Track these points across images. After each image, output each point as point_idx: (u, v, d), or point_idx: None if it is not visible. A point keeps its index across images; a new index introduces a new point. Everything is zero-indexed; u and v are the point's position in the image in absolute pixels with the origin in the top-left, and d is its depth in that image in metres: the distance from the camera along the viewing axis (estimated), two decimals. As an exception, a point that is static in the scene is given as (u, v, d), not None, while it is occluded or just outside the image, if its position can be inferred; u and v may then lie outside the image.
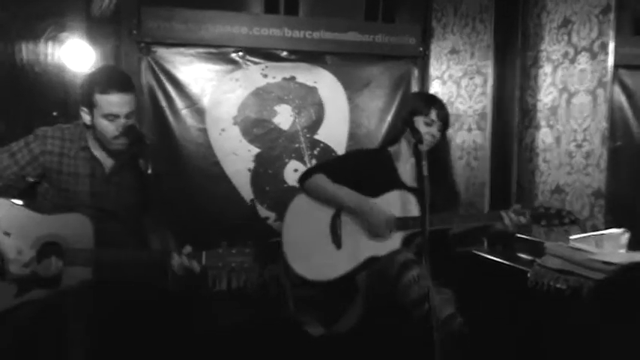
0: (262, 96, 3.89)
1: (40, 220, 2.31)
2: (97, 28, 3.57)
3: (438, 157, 2.71)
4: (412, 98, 3.02)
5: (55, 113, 3.44)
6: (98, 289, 2.26)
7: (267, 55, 3.90)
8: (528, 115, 3.63)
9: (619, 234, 2.84)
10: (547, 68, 3.49)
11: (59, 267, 2.26)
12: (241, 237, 2.37)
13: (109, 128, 2.35)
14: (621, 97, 3.15)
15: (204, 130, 3.79)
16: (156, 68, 3.70)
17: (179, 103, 3.74)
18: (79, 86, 2.48)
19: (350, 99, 4.04)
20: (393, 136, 2.88)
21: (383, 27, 4.15)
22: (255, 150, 3.88)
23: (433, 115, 2.71)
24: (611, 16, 3.06)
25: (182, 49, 3.74)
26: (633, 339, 2.29)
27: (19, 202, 2.33)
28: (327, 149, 4.00)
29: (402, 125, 2.77)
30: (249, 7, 4.16)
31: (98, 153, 2.46)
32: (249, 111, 3.87)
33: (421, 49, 4.16)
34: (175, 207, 3.46)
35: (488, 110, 3.75)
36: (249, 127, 3.87)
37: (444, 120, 2.75)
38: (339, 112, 4.03)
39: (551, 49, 3.45)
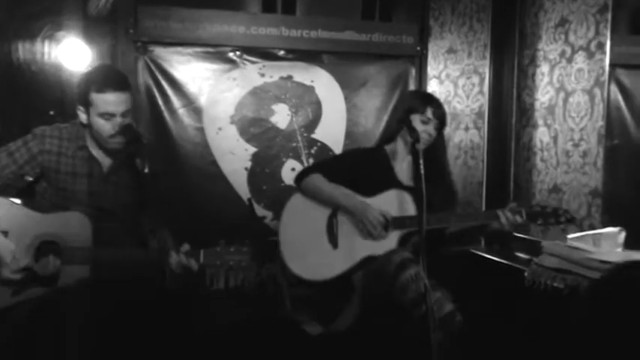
0: (259, 95, 3.89)
1: (39, 218, 2.31)
2: (93, 27, 3.56)
3: (434, 156, 2.70)
4: (408, 96, 3.03)
5: (51, 112, 3.43)
6: (96, 287, 2.26)
7: (265, 54, 3.89)
8: (525, 114, 3.64)
9: (616, 233, 2.85)
10: (544, 67, 3.49)
11: (57, 265, 2.26)
12: (239, 236, 2.37)
13: (106, 127, 2.35)
14: (618, 97, 3.15)
15: (201, 129, 3.78)
16: (153, 67, 3.69)
17: (176, 102, 3.73)
18: (75, 85, 2.49)
19: (347, 98, 4.04)
20: (389, 135, 2.88)
21: (380, 26, 4.14)
22: (253, 149, 3.87)
23: (429, 113, 2.71)
24: (608, 15, 3.07)
25: (179, 49, 3.73)
26: (629, 337, 2.29)
27: (18, 201, 2.34)
28: (324, 148, 4.00)
29: (399, 124, 2.77)
30: (246, 6, 4.16)
31: (96, 152, 2.46)
32: (246, 110, 3.86)
33: (418, 48, 4.15)
34: (172, 206, 3.44)
35: (486, 109, 3.76)
36: (246, 126, 3.86)
37: (441, 118, 2.75)
38: (337, 111, 4.03)
39: (549, 48, 3.46)
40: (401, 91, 4.09)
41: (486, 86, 3.75)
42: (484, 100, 3.78)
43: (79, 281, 2.26)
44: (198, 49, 3.76)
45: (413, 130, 2.55)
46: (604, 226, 2.96)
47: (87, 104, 2.35)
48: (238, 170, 3.85)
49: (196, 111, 3.77)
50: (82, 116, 2.40)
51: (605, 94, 3.09)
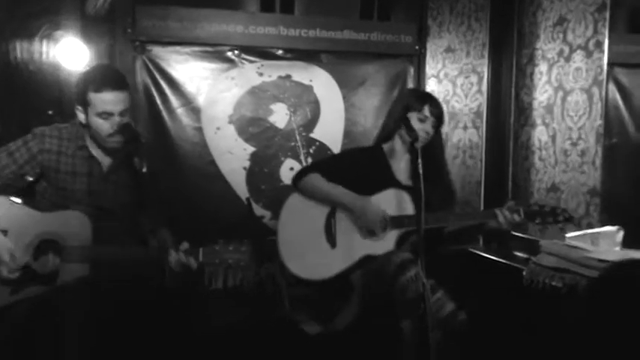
0: (258, 94, 3.89)
1: (39, 217, 2.32)
2: (91, 26, 3.56)
3: (432, 154, 2.69)
4: (405, 95, 3.02)
5: (50, 112, 3.43)
6: (95, 286, 2.27)
7: (263, 53, 3.89)
8: (524, 113, 3.64)
9: (614, 232, 2.85)
10: (542, 66, 3.49)
11: (56, 264, 2.27)
12: (237, 236, 2.37)
13: (104, 126, 2.36)
14: (616, 95, 3.16)
15: (199, 129, 3.78)
16: (151, 67, 3.69)
17: (174, 101, 3.73)
18: (73, 85, 2.49)
19: (345, 97, 4.04)
20: (386, 134, 2.87)
21: (378, 25, 4.14)
22: (251, 149, 3.87)
23: (426, 111, 2.71)
24: (607, 14, 3.06)
25: (177, 48, 3.73)
26: (627, 336, 2.29)
27: (18, 199, 2.34)
28: (322, 148, 4.00)
29: (396, 122, 2.76)
30: (244, 5, 4.16)
31: (95, 152, 2.47)
32: (244, 110, 3.86)
33: (417, 47, 4.16)
34: (171, 206, 3.43)
35: (484, 108, 3.76)
36: (244, 126, 3.86)
37: (438, 116, 2.75)
38: (335, 110, 4.03)
39: (547, 47, 3.46)
40: (399, 90, 4.09)
41: (485, 85, 3.75)
42: (482, 100, 3.78)
43: (79, 280, 2.27)
44: (197, 49, 3.76)
45: (411, 130, 2.55)
46: (602, 225, 2.96)
47: (85, 104, 2.36)
48: (237, 170, 3.85)
49: (195, 110, 3.77)
50: (81, 116, 2.41)
51: (604, 93, 3.09)
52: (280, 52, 3.93)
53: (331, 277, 2.67)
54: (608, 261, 2.53)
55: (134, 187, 2.42)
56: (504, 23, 3.70)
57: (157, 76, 3.69)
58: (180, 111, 3.74)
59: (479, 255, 3.40)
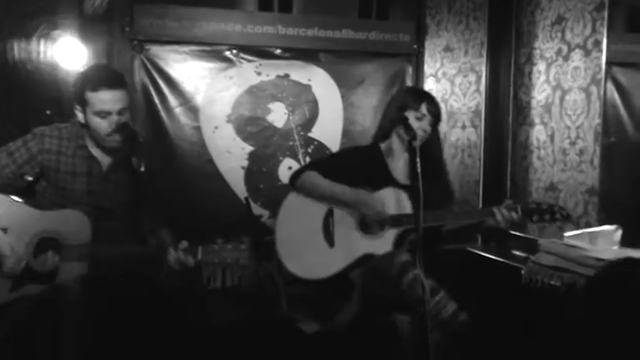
0: (256, 94, 3.88)
1: (39, 216, 2.32)
2: (89, 25, 3.55)
3: (430, 153, 2.67)
4: (402, 93, 3.01)
5: (48, 112, 3.42)
6: (93, 284, 2.27)
7: (261, 52, 3.89)
8: (522, 112, 3.64)
9: (612, 231, 2.85)
10: (541, 65, 3.49)
11: (55, 262, 2.27)
12: (235, 235, 2.37)
13: (102, 125, 2.37)
14: (614, 95, 3.16)
15: (197, 128, 3.78)
16: (149, 66, 3.68)
17: (172, 101, 3.73)
18: (71, 85, 2.50)
19: (344, 96, 4.04)
20: (383, 133, 2.86)
21: (377, 24, 4.14)
22: (249, 148, 3.87)
23: (424, 109, 2.71)
24: (605, 13, 3.07)
25: (175, 47, 3.72)
26: (625, 335, 2.29)
27: (18, 198, 2.34)
28: (321, 147, 3.99)
29: (394, 121, 2.75)
30: (242, 4, 4.15)
31: (95, 151, 2.48)
32: (243, 109, 3.86)
33: (415, 46, 4.16)
34: (169, 205, 3.44)
35: (482, 108, 3.76)
36: (243, 125, 3.86)
37: (435, 114, 2.74)
38: (333, 109, 4.03)
39: (545, 46, 3.46)
40: (398, 89, 4.09)
41: (483, 84, 3.75)
42: (481, 99, 3.78)
43: (78, 278, 2.27)
44: (195, 48, 3.76)
45: (409, 129, 2.55)
46: (600, 224, 2.96)
47: (83, 103, 2.37)
48: (235, 169, 3.85)
49: (193, 110, 3.77)
50: (80, 115, 2.42)
51: (602, 92, 3.09)
52: (278, 51, 3.92)
53: (330, 276, 2.67)
54: (606, 260, 2.53)
55: (134, 186, 2.42)
56: (503, 22, 3.70)
57: (155, 76, 3.69)
58: (178, 110, 3.74)
59: (477, 254, 3.40)
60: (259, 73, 3.88)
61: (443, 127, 3.98)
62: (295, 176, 2.79)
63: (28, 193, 2.43)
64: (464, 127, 3.94)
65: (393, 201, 2.67)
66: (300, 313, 2.80)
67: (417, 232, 2.25)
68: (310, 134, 3.98)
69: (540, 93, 3.49)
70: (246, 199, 3.83)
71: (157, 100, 3.70)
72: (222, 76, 3.82)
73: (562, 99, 3.33)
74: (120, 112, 2.37)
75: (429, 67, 4.17)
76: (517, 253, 3.27)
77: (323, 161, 3.08)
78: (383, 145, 2.84)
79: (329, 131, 4.02)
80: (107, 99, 2.33)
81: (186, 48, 3.74)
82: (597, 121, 3.11)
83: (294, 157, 3.94)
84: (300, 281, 2.70)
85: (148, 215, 2.50)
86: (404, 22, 4.23)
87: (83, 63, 3.46)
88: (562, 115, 3.33)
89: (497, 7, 3.72)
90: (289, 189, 2.84)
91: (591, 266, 2.55)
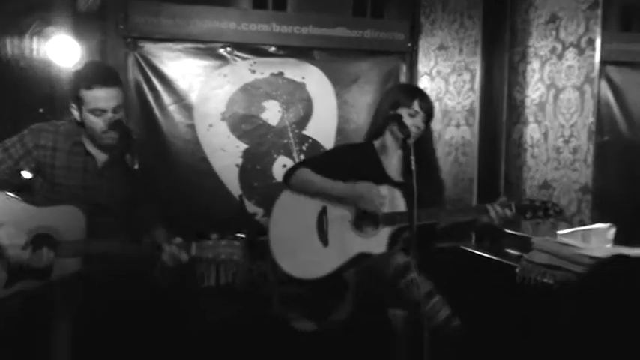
0: (250, 92, 3.88)
1: (34, 212, 2.32)
2: (83, 23, 3.54)
3: (422, 150, 2.66)
4: (394, 91, 2.99)
5: (41, 110, 3.41)
6: (88, 280, 2.28)
7: (255, 50, 3.89)
8: (516, 111, 3.65)
9: (605, 229, 2.86)
10: (535, 64, 3.50)
11: (50, 258, 2.26)
12: (230, 232, 2.37)
13: (97, 123, 2.37)
14: (608, 93, 3.17)
15: (192, 126, 3.77)
16: (143, 63, 3.67)
17: (166, 98, 3.72)
18: (65, 82, 2.50)
19: (338, 94, 4.04)
20: (376, 130, 2.85)
21: (371, 22, 4.14)
22: (244, 146, 3.86)
23: (416, 106, 2.70)
24: (599, 12, 3.07)
25: (169, 45, 3.72)
26: (615, 331, 2.30)
27: (13, 194, 2.33)
28: (315, 145, 3.99)
29: (387, 119, 2.74)
30: (237, 2, 4.14)
31: (91, 148, 2.48)
32: (237, 107, 3.86)
33: (409, 44, 4.16)
34: (163, 203, 3.43)
35: (477, 106, 3.76)
36: (237, 123, 3.85)
37: (428, 111, 2.74)
38: (328, 107, 4.03)
39: (539, 45, 3.46)
40: (390, 86, 4.09)
41: (477, 83, 3.76)
42: (475, 97, 3.78)
43: (72, 274, 2.27)
44: (189, 45, 3.75)
45: (403, 126, 2.54)
46: (594, 223, 2.97)
47: (78, 101, 2.37)
48: (229, 167, 3.85)
49: (187, 108, 3.76)
50: (75, 113, 2.42)
51: (596, 90, 3.10)
52: (273, 49, 3.92)
53: (324, 275, 2.66)
54: (598, 258, 2.53)
55: (129, 183, 2.42)
56: (497, 21, 3.70)
57: (149, 73, 3.68)
58: (172, 108, 3.73)
59: (471, 252, 3.40)
60: (253, 71, 3.88)
61: (437, 125, 3.98)
62: (289, 174, 2.78)
63: (25, 190, 2.43)
64: (458, 125, 3.94)
65: (387, 199, 2.67)
66: (295, 312, 2.79)
67: (411, 230, 2.25)
68: (304, 132, 3.98)
69: (534, 91, 3.50)
70: (240, 197, 3.86)
71: (150, 98, 3.69)
72: (217, 74, 3.82)
73: (556, 97, 3.34)
74: (115, 110, 2.36)
75: (423, 66, 4.18)
76: (511, 251, 3.27)
77: (316, 159, 3.07)
78: (376, 143, 2.83)
79: (323, 129, 4.02)
80: (102, 97, 2.33)
81: (180, 45, 3.73)
82: (591, 119, 3.12)
83: (289, 155, 3.94)
84: (294, 281, 2.69)
85: (142, 213, 2.49)
86: (398, 20, 4.24)
87: (76, 60, 3.45)
88: (556, 114, 3.34)
89: (491, 5, 3.72)
90: (283, 187, 2.84)
91: (584, 264, 2.55)
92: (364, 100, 4.08)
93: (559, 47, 3.32)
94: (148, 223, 2.50)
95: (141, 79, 3.67)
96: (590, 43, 3.11)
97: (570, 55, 3.24)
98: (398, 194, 2.66)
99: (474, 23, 3.81)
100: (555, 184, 3.34)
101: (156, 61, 3.69)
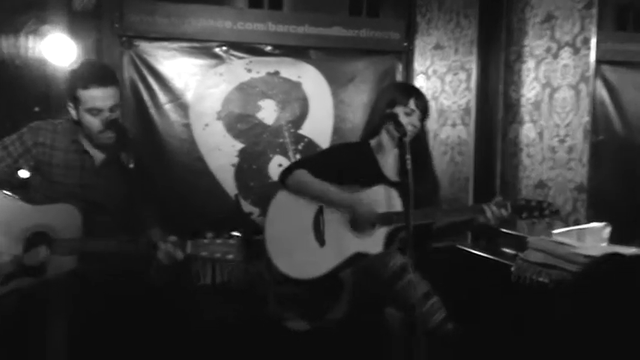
0: (246, 91, 3.88)
1: (30, 210, 2.32)
2: (78, 21, 3.53)
3: (417, 148, 2.63)
4: (389, 89, 2.98)
5: (36, 109, 3.41)
6: (83, 278, 2.27)
7: (251, 49, 3.88)
8: (512, 110, 3.65)
9: (601, 228, 2.87)
10: (530, 63, 3.50)
11: (46, 256, 2.26)
12: (225, 231, 2.36)
13: (94, 122, 2.37)
14: (603, 92, 3.17)
15: (187, 125, 3.77)
16: (138, 62, 3.67)
17: (162, 97, 3.72)
18: (61, 81, 2.49)
19: (334, 94, 4.04)
20: (372, 129, 2.83)
21: (367, 22, 4.14)
22: (239, 145, 3.86)
23: (412, 104, 2.70)
24: (594, 11, 3.08)
25: (165, 43, 3.71)
26: (608, 330, 2.30)
27: (10, 193, 2.33)
28: (311, 144, 3.99)
29: (383, 118, 2.74)
30: (233, 1, 4.14)
31: (89, 147, 2.48)
32: (233, 106, 3.85)
33: (405, 44, 4.17)
34: (158, 202, 3.43)
35: (473, 105, 3.77)
36: (233, 122, 3.85)
37: (423, 109, 2.73)
38: (324, 106, 4.03)
39: (535, 44, 3.47)
40: (385, 85, 4.09)
41: (473, 82, 3.76)
42: (471, 96, 3.79)
43: (68, 272, 2.27)
44: (185, 44, 3.75)
45: (399, 125, 2.54)
46: (589, 222, 2.98)
47: (75, 101, 2.37)
48: (225, 166, 3.84)
49: (183, 107, 3.76)
50: (72, 112, 2.42)
51: (591, 89, 3.11)
52: (269, 48, 3.92)
53: (320, 275, 2.66)
54: (594, 257, 2.54)
55: (126, 182, 2.42)
56: (493, 20, 3.70)
57: (145, 72, 3.68)
58: (168, 107, 3.73)
59: (467, 251, 3.40)
60: (249, 70, 3.88)
61: (433, 124, 3.99)
62: (285, 174, 2.77)
63: (23, 189, 2.43)
64: (454, 124, 3.95)
65: (383, 199, 2.66)
66: (291, 312, 2.79)
67: (408, 230, 2.24)
68: (300, 131, 3.98)
69: (530, 91, 3.51)
70: (236, 196, 3.85)
71: (146, 97, 3.69)
72: (212, 73, 3.81)
73: (551, 97, 3.34)
74: (112, 109, 2.36)
75: (419, 65, 4.18)
76: (506, 250, 3.28)
77: (313, 159, 3.06)
78: (372, 142, 2.83)
79: (319, 128, 4.02)
80: (98, 96, 2.33)
81: (175, 44, 3.73)
82: (586, 118, 3.12)
83: (285, 154, 3.94)
84: (290, 281, 2.68)
85: (139, 212, 2.49)
86: (394, 19, 4.24)
87: (72, 59, 3.44)
88: (551, 113, 3.34)
89: (487, 5, 3.72)
90: (279, 186, 2.83)
91: (579, 263, 2.56)
92: (360, 100, 4.08)
93: (554, 46, 3.32)
94: (144, 222, 2.50)
95: (136, 78, 3.67)
96: (586, 42, 3.12)
97: (566, 54, 3.25)
98: (394, 194, 2.65)
99: (469, 22, 3.82)
100: (551, 184, 3.35)
101: (151, 60, 3.69)
